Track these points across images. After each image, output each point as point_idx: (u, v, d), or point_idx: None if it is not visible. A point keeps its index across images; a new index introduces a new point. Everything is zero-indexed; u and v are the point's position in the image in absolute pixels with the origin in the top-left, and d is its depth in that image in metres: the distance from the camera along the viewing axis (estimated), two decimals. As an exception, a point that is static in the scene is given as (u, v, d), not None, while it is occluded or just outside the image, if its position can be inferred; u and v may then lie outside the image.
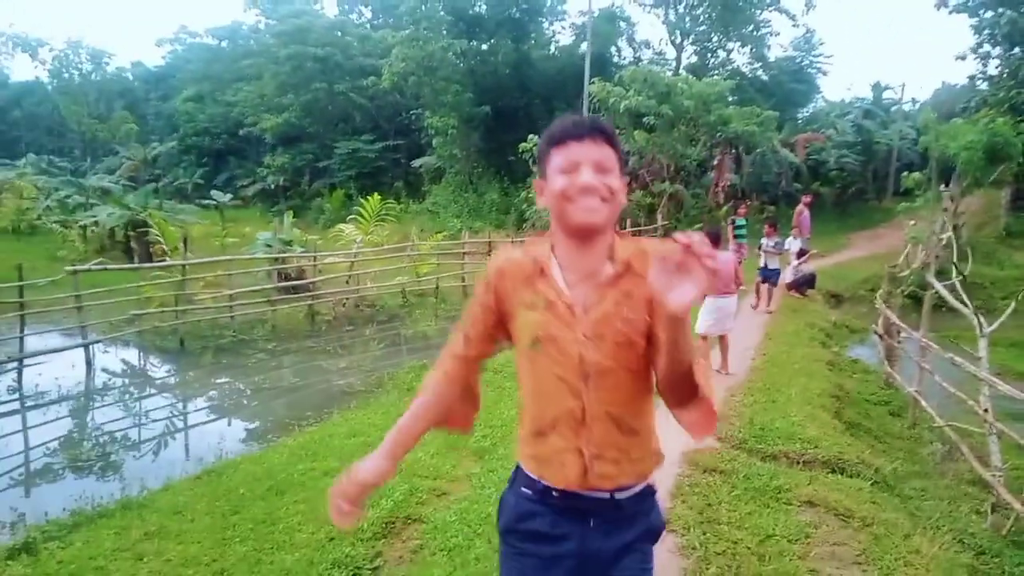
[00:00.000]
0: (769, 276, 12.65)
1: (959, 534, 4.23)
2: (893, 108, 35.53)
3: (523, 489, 1.65)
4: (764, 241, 12.63)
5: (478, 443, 5.63)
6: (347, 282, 15.40)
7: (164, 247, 14.46)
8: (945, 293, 6.46)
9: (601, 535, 1.58)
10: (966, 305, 5.77)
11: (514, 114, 30.71)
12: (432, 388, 1.74)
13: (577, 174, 1.50)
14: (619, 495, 1.58)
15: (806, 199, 15.38)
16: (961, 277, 6.07)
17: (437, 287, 16.98)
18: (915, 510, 4.56)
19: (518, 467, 1.69)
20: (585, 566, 1.59)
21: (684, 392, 1.52)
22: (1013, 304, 5.64)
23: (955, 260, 6.66)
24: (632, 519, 1.61)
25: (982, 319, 5.57)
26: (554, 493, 1.59)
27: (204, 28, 57.95)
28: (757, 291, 12.76)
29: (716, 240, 7.96)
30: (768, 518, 3.88)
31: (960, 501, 5.12)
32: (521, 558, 1.63)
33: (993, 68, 26.09)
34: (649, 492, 1.65)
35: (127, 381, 10.70)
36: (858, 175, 31.55)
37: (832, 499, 4.14)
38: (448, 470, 5.07)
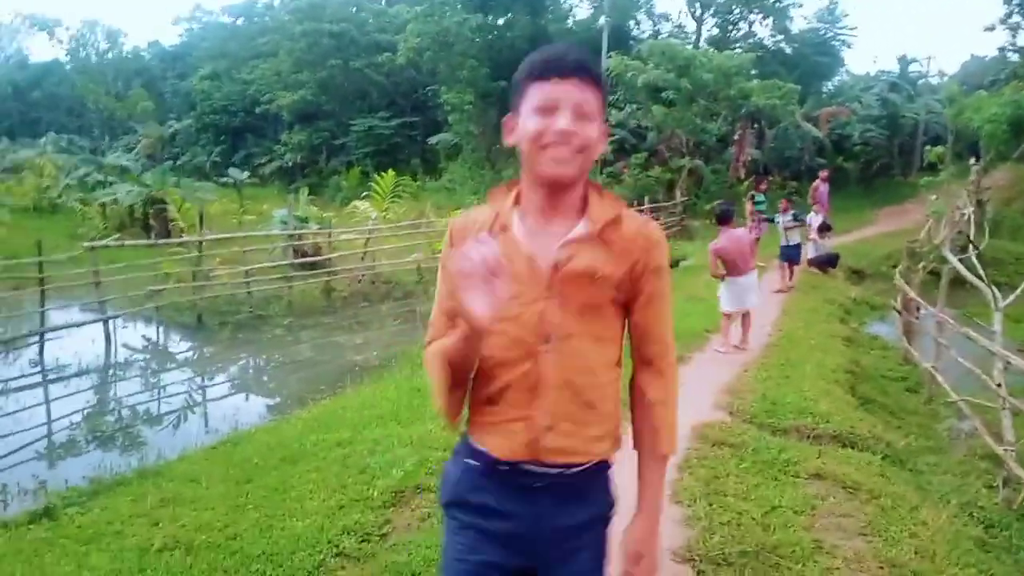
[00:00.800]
0: (791, 255, 12.24)
1: (968, 507, 4.22)
2: (920, 81, 34.87)
3: (468, 461, 1.51)
4: (779, 217, 12.31)
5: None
6: (362, 259, 15.47)
7: (182, 224, 14.58)
8: (961, 267, 6.38)
9: (552, 512, 1.46)
10: (982, 280, 5.69)
11: (531, 90, 30.47)
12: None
13: (555, 118, 1.35)
14: (570, 471, 1.44)
15: (823, 174, 15.16)
16: (977, 252, 5.97)
17: (453, 264, 16.99)
18: (925, 484, 4.54)
19: (464, 437, 1.55)
20: (535, 544, 1.47)
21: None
22: (1031, 278, 5.55)
23: (972, 235, 6.56)
24: (584, 496, 1.48)
25: (997, 293, 5.50)
26: (500, 466, 1.45)
27: (219, 6, 58.24)
28: (782, 273, 12.29)
29: (723, 219, 7.76)
30: (775, 490, 3.88)
31: (972, 476, 5.09)
32: (469, 532, 1.50)
33: (1023, 39, 25.52)
34: (604, 467, 1.52)
35: (146, 356, 10.87)
36: (883, 150, 31.04)
37: (840, 472, 4.13)
38: (457, 442, 5.10)
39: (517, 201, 1.49)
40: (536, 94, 1.38)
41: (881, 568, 3.11)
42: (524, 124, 1.40)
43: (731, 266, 7.51)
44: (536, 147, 1.37)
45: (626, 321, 1.49)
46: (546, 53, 1.41)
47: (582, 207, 1.45)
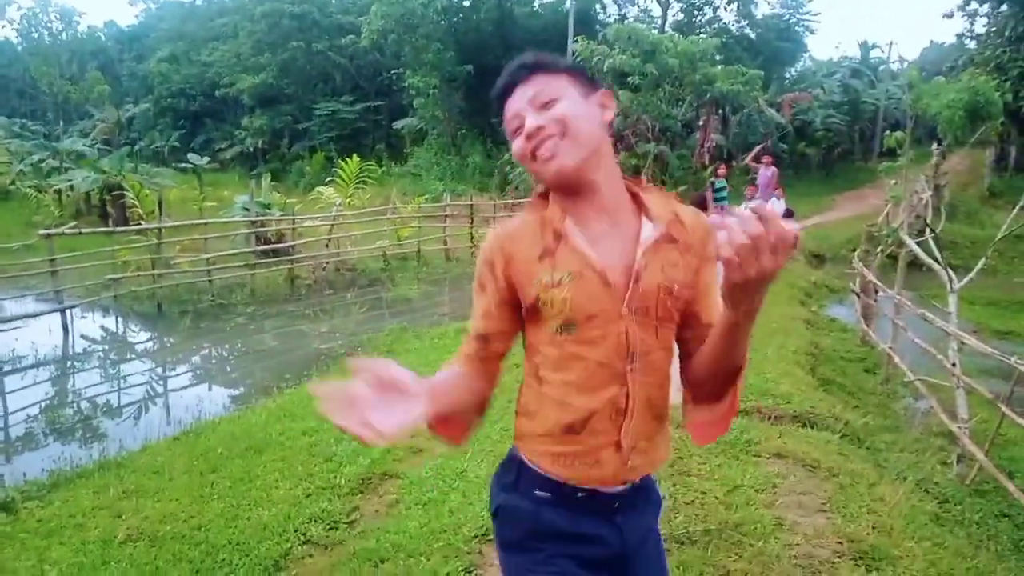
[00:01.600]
0: None
1: (924, 483, 4.33)
2: (881, 68, 35.44)
3: (539, 492, 1.38)
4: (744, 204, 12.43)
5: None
6: (327, 246, 15.32)
7: (140, 211, 14.28)
8: (917, 250, 6.53)
9: (633, 523, 1.41)
10: (938, 262, 5.83)
11: (497, 73, 29.37)
12: (446, 375, 1.40)
13: (524, 127, 1.27)
14: (639, 481, 1.40)
15: (766, 159, 15.18)
16: (933, 235, 6.11)
17: (419, 250, 16.93)
18: (883, 461, 4.65)
19: (520, 465, 1.41)
20: (625, 557, 1.40)
21: (718, 390, 1.33)
22: (982, 261, 5.70)
23: (929, 218, 6.71)
24: (649, 495, 1.46)
25: (952, 275, 5.64)
26: (579, 494, 1.36)
27: (178, -14, 56.50)
28: None
29: (703, 206, 7.91)
30: (737, 470, 3.95)
31: (928, 453, 5.23)
32: (560, 560, 1.37)
33: (980, 26, 26.07)
34: None
35: (105, 346, 10.65)
36: (844, 135, 31.58)
37: (800, 451, 4.22)
38: (425, 429, 5.10)
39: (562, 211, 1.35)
40: (506, 114, 1.32)
41: (840, 543, 3.19)
42: (512, 150, 1.33)
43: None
44: (528, 163, 1.30)
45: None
46: (503, 72, 1.34)
47: (635, 205, 1.34)
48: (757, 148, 18.38)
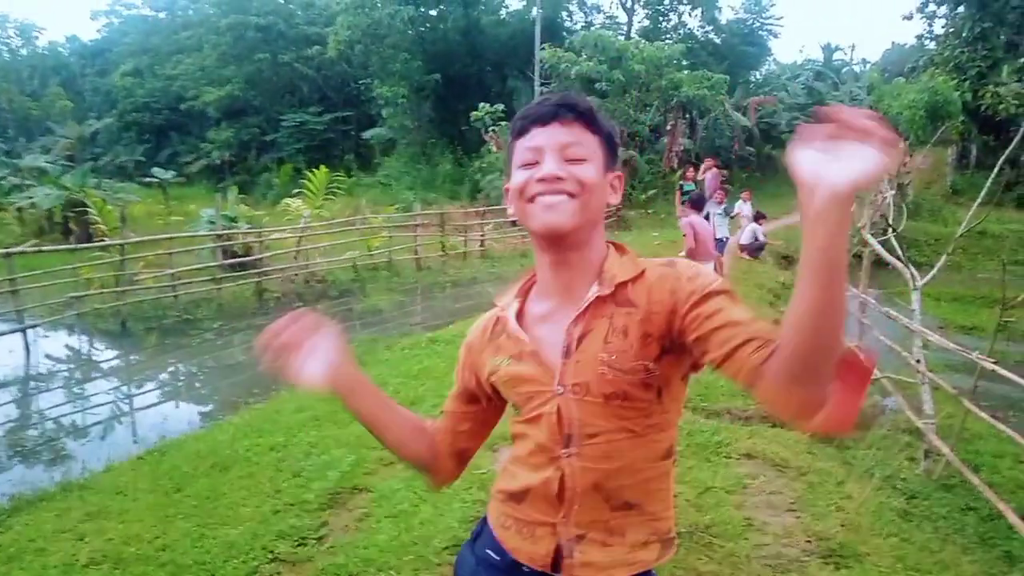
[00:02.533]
0: (719, 247, 11.89)
1: (891, 480, 4.38)
2: (844, 70, 36.13)
3: (488, 552, 1.33)
4: (712, 208, 11.99)
5: (428, 412, 5.62)
6: (295, 257, 15.17)
7: (103, 227, 14.03)
8: (879, 248, 6.62)
9: None
10: (901, 260, 5.91)
11: (465, 82, 30.39)
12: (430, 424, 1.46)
13: (539, 166, 1.18)
14: None
15: (708, 162, 15.09)
16: (895, 233, 6.20)
17: (390, 260, 16.83)
18: (850, 459, 4.71)
19: (485, 521, 1.37)
20: None
21: (823, 369, 0.96)
22: (944, 257, 5.79)
23: (891, 217, 6.81)
24: None
25: (915, 272, 5.72)
26: (524, 569, 1.27)
27: (140, -1, 55.85)
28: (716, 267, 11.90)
29: (697, 204, 8.09)
30: (708, 471, 3.97)
31: (895, 449, 5.29)
32: None
33: (939, 27, 26.63)
34: None
35: (68, 365, 10.43)
36: (810, 137, 32.06)
37: (770, 451, 4.25)
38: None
39: (530, 286, 1.32)
40: (520, 149, 1.22)
41: (809, 542, 3.21)
42: (511, 182, 1.23)
43: (697, 248, 7.70)
44: (524, 202, 1.20)
45: (682, 394, 1.25)
46: (528, 106, 1.25)
47: (599, 271, 1.22)
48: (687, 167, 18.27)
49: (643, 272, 1.19)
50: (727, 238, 12.17)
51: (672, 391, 1.20)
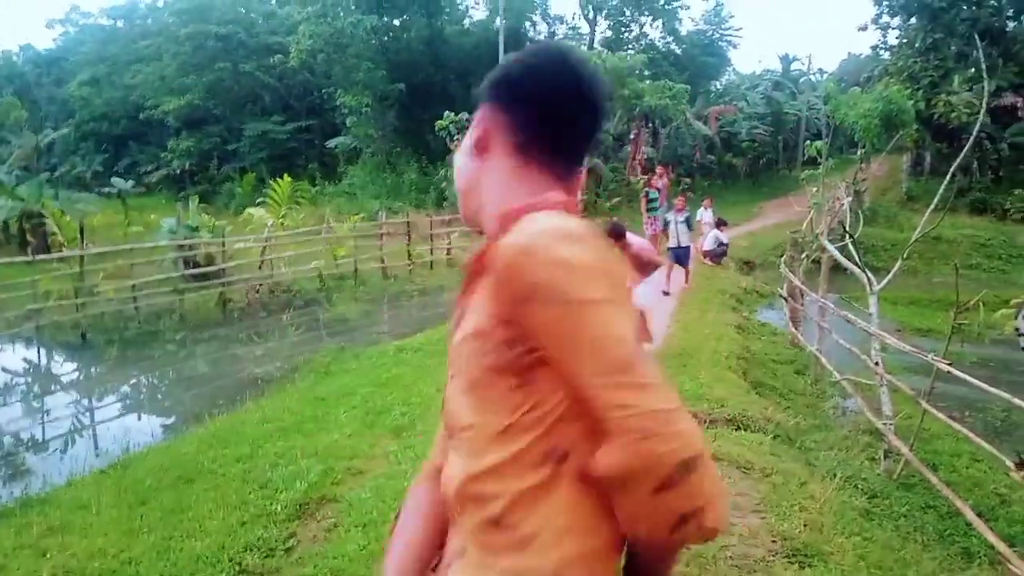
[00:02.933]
0: (681, 256, 11.62)
1: (853, 480, 4.48)
2: (801, 80, 36.87)
3: None
4: (673, 216, 11.59)
5: (396, 420, 5.61)
6: (260, 267, 15.00)
7: (61, 239, 13.73)
8: (836, 254, 6.78)
9: None
10: (858, 266, 6.06)
11: (430, 91, 30.34)
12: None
13: None
14: None
15: (660, 170, 14.94)
16: (852, 239, 6.36)
17: (356, 269, 16.73)
18: (813, 460, 4.80)
19: None
20: None
21: None
22: (899, 262, 5.96)
23: (847, 223, 6.98)
24: None
25: (872, 277, 5.87)
26: None
27: (98, 7, 55.04)
28: (669, 275, 11.19)
29: (621, 235, 7.59)
30: (675, 475, 4.01)
31: (856, 450, 5.42)
32: None
33: (893, 38, 27.35)
34: None
35: (27, 379, 10.20)
36: (769, 145, 32.71)
37: (735, 453, 4.31)
38: (365, 449, 5.05)
39: None
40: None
41: (774, 542, 3.27)
42: None
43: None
44: None
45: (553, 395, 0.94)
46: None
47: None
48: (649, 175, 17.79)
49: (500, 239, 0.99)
50: (688, 246, 11.84)
51: (538, 384, 0.93)
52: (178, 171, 36.56)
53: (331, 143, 33.51)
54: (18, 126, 40.91)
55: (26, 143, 38.61)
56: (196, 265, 14.37)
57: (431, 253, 18.67)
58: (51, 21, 52.52)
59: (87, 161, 39.32)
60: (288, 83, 35.74)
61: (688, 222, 11.66)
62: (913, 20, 25.62)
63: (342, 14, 28.23)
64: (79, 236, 13.45)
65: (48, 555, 3.80)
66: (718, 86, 37.65)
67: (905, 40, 25.90)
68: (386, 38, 30.56)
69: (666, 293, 11.02)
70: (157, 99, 36.78)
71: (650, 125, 27.06)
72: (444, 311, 11.91)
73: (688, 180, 26.97)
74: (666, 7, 34.56)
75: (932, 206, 6.26)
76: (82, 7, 56.85)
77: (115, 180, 22.90)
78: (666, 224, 12.08)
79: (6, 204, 19.62)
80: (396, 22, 31.23)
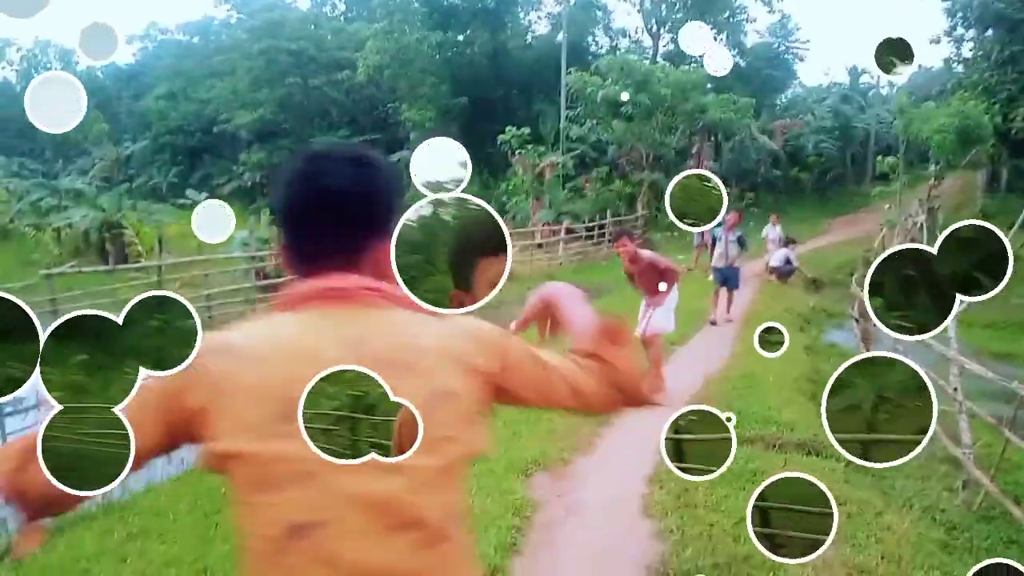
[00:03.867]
0: (729, 277, 10.14)
1: (930, 511, 4.33)
2: (871, 93, 35.87)
3: None
4: (723, 233, 9.98)
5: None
6: (327, 279, 15.33)
7: (139, 248, 14.33)
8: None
9: None
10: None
11: (492, 105, 30.67)
12: None
13: None
14: None
15: (731, 218, 10.61)
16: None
17: (418, 281, 16.93)
18: (888, 489, 4.65)
19: None
20: None
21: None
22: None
23: (924, 242, 6.77)
24: None
25: (951, 300, 5.66)
26: None
27: (175, 24, 57.18)
28: (715, 300, 10.25)
29: (625, 237, 6.89)
30: (743, 500, 3.93)
31: (933, 479, 5.22)
32: None
33: (967, 51, 26.40)
34: None
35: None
36: (837, 160, 31.87)
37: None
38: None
39: None
40: None
41: (849, 574, 3.19)
42: None
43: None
44: None
45: None
46: None
47: None
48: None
49: None
50: (738, 268, 10.31)
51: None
52: (249, 184, 37.75)
53: (395, 157, 34.11)
54: (100, 138, 42.91)
55: (107, 155, 40.51)
56: (267, 276, 14.80)
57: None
58: (131, 37, 54.85)
59: (163, 173, 40.92)
60: (355, 98, 36.60)
61: (741, 241, 10.18)
62: (989, 32, 24.68)
63: (408, 30, 28.83)
64: (157, 246, 14.01)
65: (128, 561, 3.90)
66: (784, 99, 36.95)
67: (981, 52, 24.95)
68: (450, 53, 31.05)
69: (713, 323, 10.04)
70: (230, 113, 38.12)
71: (713, 139, 26.75)
72: (504, 325, 11.95)
73: (752, 195, 26.50)
74: (731, 20, 34.17)
75: (1017, 225, 6.02)
76: (160, 23, 59.35)
77: (189, 192, 23.82)
78: (714, 240, 10.69)
79: (88, 214, 20.58)
80: (460, 37, 31.69)
